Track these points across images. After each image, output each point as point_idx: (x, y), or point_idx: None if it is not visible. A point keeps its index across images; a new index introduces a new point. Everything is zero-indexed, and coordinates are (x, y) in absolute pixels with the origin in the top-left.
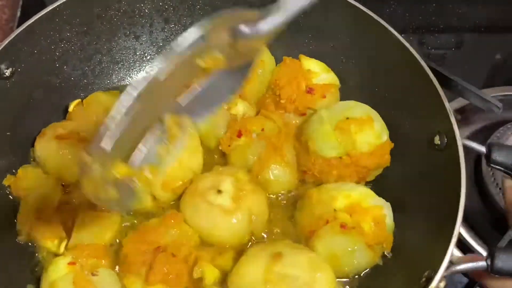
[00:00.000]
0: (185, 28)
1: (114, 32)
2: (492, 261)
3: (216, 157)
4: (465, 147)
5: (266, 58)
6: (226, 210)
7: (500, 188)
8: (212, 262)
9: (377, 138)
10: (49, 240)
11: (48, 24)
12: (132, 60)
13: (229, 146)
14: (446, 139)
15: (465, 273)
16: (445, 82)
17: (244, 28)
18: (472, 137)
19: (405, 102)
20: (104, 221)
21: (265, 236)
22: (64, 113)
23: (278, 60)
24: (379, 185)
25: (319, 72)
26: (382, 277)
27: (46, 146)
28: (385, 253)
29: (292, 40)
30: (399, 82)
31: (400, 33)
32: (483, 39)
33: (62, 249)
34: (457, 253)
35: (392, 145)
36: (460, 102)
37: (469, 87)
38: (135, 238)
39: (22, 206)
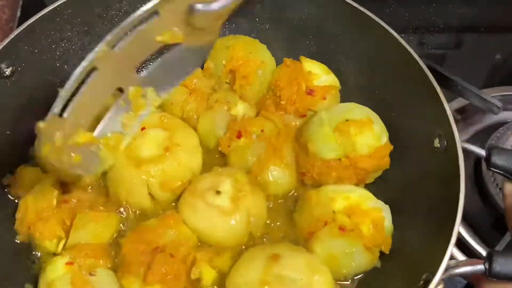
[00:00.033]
0: None
1: None
2: (490, 265)
3: (215, 158)
4: (465, 150)
5: (266, 59)
6: (225, 211)
7: (500, 188)
8: (210, 263)
9: (376, 140)
10: (47, 240)
11: (48, 23)
12: None
13: (228, 146)
14: (445, 142)
15: (463, 276)
16: (445, 82)
17: (198, 6)
18: (472, 137)
19: (405, 104)
20: (103, 221)
21: (263, 237)
22: None
23: (278, 61)
24: (378, 187)
25: (319, 74)
26: (380, 279)
27: None
28: (383, 254)
29: (292, 42)
30: (399, 84)
31: (400, 33)
32: (483, 39)
33: (60, 248)
34: (457, 253)
35: (392, 147)
36: (460, 102)
37: (469, 87)
38: (133, 238)
39: (21, 205)
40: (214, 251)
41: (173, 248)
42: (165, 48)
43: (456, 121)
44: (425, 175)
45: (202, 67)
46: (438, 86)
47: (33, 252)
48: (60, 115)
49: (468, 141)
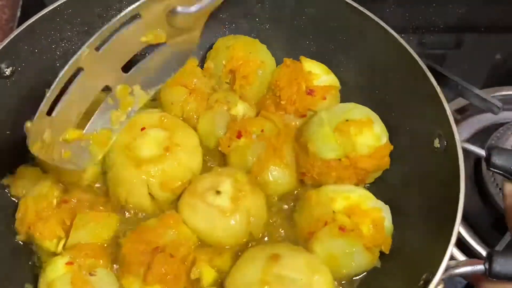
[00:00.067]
0: None
1: None
2: (490, 265)
3: (215, 158)
4: (465, 150)
5: (266, 59)
6: (225, 211)
7: (500, 188)
8: (210, 263)
9: (376, 140)
10: (47, 240)
11: (48, 23)
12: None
13: (228, 146)
14: (445, 142)
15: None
16: (445, 82)
17: (178, 8)
18: (472, 137)
19: (405, 104)
20: (103, 221)
21: (263, 237)
22: None
23: (278, 61)
24: (378, 187)
25: (319, 74)
26: (380, 279)
27: None
28: (383, 254)
29: (292, 42)
30: (399, 84)
31: (400, 33)
32: (483, 39)
33: (60, 248)
34: (457, 253)
35: (392, 147)
36: (460, 102)
37: (469, 87)
38: (133, 238)
39: (21, 205)
40: (214, 251)
41: (173, 248)
42: (150, 47)
43: (456, 121)
44: (425, 175)
45: (202, 67)
46: (438, 86)
47: (33, 252)
48: (49, 113)
49: (468, 141)
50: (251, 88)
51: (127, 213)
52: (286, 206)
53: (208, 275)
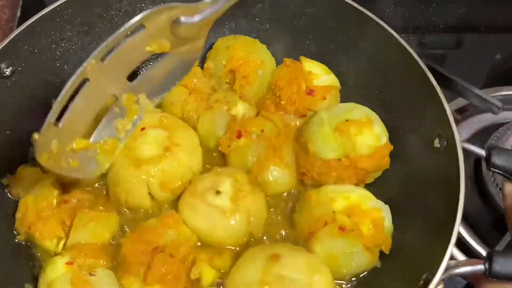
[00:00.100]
0: None
1: None
2: (490, 265)
3: (215, 158)
4: (465, 150)
5: (266, 59)
6: (225, 211)
7: (500, 188)
8: (210, 263)
9: (376, 140)
10: (47, 240)
11: (48, 23)
12: None
13: (228, 146)
14: (445, 142)
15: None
16: (445, 82)
17: (182, 18)
18: (472, 137)
19: (405, 104)
20: (103, 221)
21: (263, 237)
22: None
23: (278, 61)
24: (378, 187)
25: (319, 74)
26: (380, 279)
27: None
28: (383, 254)
29: (292, 42)
30: (399, 84)
31: (400, 33)
32: (483, 39)
33: (60, 248)
34: (457, 253)
35: (392, 147)
36: (460, 102)
37: (469, 87)
38: (133, 238)
39: (21, 205)
40: (214, 251)
41: (173, 248)
42: (155, 56)
43: (456, 121)
44: (425, 175)
45: (202, 67)
46: (438, 86)
47: (33, 252)
48: (56, 124)
49: (468, 141)
50: (251, 88)
51: (127, 213)
52: (286, 206)
53: (208, 275)
